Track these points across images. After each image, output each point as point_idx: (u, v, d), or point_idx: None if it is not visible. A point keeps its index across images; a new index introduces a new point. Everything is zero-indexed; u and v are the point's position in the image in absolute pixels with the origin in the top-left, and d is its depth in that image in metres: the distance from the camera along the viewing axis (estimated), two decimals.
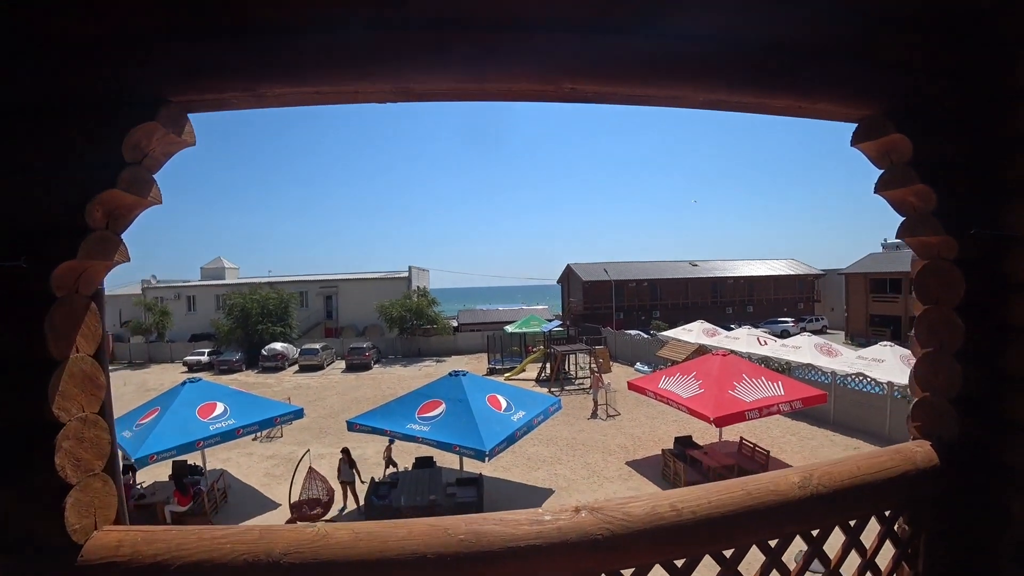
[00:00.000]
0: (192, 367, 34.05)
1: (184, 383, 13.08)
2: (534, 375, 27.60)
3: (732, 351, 18.97)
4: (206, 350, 35.94)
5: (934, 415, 2.02)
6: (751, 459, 13.58)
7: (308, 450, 13.47)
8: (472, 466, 13.06)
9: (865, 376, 16.98)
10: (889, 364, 17.63)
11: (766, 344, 24.90)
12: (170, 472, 12.44)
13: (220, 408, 12.44)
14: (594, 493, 12.78)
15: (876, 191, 1.96)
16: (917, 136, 1.75)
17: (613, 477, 13.73)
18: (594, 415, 19.51)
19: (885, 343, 19.82)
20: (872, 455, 1.89)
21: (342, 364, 34.21)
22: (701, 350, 22.71)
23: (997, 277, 1.92)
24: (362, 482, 12.22)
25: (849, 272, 42.43)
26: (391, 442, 13.22)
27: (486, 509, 11.69)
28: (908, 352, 19.04)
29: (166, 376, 31.63)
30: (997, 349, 1.94)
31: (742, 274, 51.68)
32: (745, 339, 25.99)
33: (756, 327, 34.40)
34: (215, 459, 15.52)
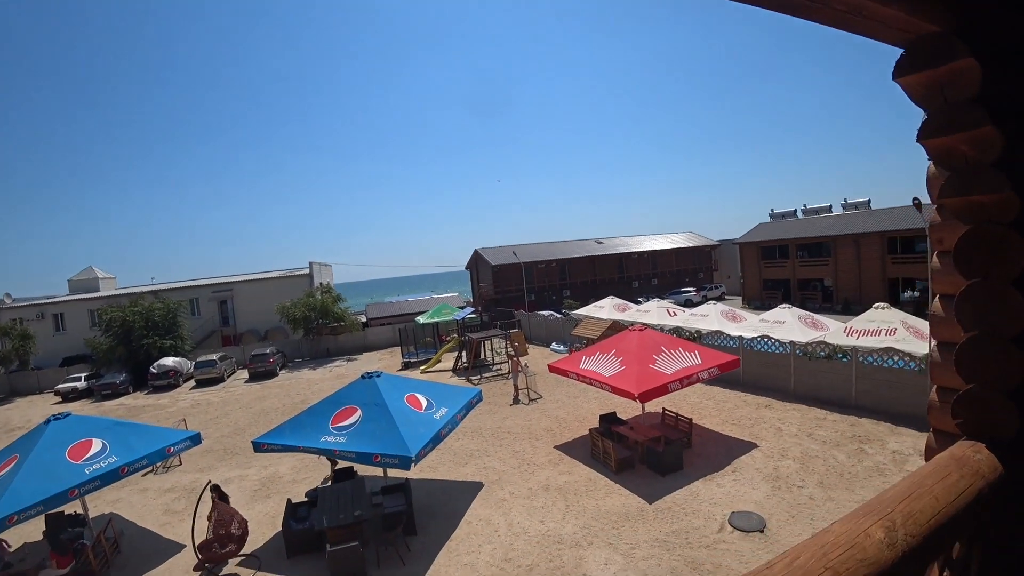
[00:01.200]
0: (67, 396, 30.06)
1: (48, 421, 10.96)
2: (451, 365, 27.04)
3: (645, 324, 19.31)
4: (83, 374, 31.66)
5: (985, 411, 1.68)
6: (675, 428, 13.88)
7: (209, 481, 11.96)
8: (397, 471, 12.33)
9: (770, 337, 17.88)
10: (790, 325, 18.76)
11: (675, 315, 25.79)
12: (43, 529, 10.65)
13: (97, 445, 10.49)
14: (527, 483, 12.46)
15: (920, 139, 1.56)
16: (989, 64, 1.34)
17: (544, 463, 13.49)
18: (516, 401, 19.25)
19: (784, 305, 21.09)
20: (938, 473, 1.50)
21: (245, 374, 31.71)
22: (615, 325, 23.07)
23: None
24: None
25: (742, 242, 45.22)
26: None
27: (417, 515, 11.04)
28: (805, 313, 20.42)
29: (34, 411, 27.76)
30: None
31: (645, 249, 53.77)
32: (655, 311, 26.81)
33: (663, 298, 35.75)
34: (101, 502, 13.61)
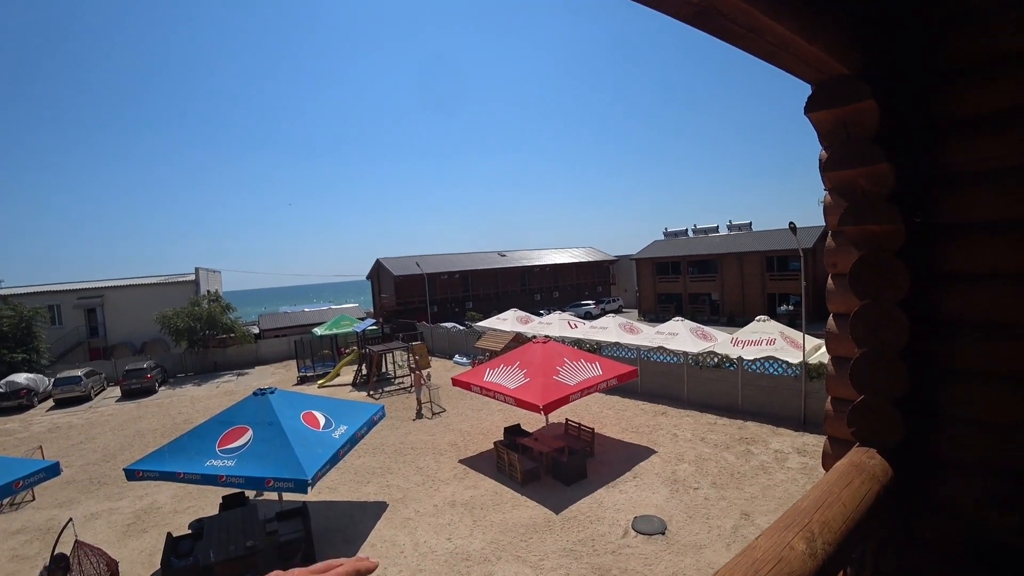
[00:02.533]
0: None
1: None
2: (350, 379, 26.08)
3: (547, 336, 19.75)
4: None
5: (876, 419, 1.84)
6: (578, 438, 14.23)
7: (70, 519, 10.55)
8: (293, 494, 11.63)
9: (665, 349, 18.89)
10: (682, 336, 19.92)
11: (576, 327, 26.59)
12: None
13: None
14: (431, 499, 12.21)
15: (823, 170, 1.70)
16: (886, 106, 1.48)
17: (448, 479, 13.30)
18: (419, 415, 18.89)
19: (677, 319, 22.41)
20: (842, 480, 1.62)
21: (117, 391, 28.59)
22: (518, 338, 23.39)
23: (927, 267, 1.79)
24: None
25: (639, 257, 47.74)
26: None
27: (316, 540, 10.45)
28: (696, 325, 21.79)
29: None
30: (932, 342, 1.81)
31: (547, 262, 55.07)
32: (557, 324, 27.47)
33: (564, 311, 36.73)
34: None
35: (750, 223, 45.28)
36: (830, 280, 2.08)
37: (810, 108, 1.58)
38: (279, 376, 29.27)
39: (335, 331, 31.37)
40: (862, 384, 1.87)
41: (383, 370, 26.26)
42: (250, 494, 11.93)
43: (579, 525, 10.53)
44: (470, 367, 25.34)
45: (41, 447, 17.31)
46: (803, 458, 12.88)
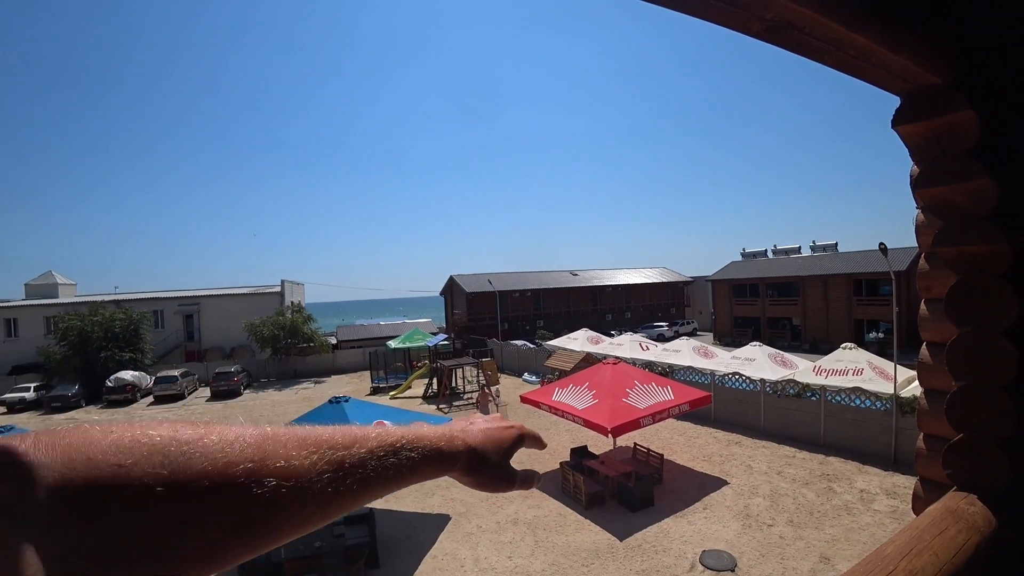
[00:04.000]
0: (13, 406, 28.22)
1: None
2: (421, 392, 26.62)
3: (618, 358, 19.38)
4: (32, 384, 29.89)
5: (976, 461, 1.66)
6: (646, 463, 13.81)
7: None
8: None
9: (741, 375, 18.08)
10: (760, 362, 19.01)
11: (648, 349, 25.98)
12: None
13: None
14: (494, 516, 12.20)
15: (914, 187, 1.57)
16: (986, 117, 1.36)
17: (512, 497, 13.22)
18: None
19: (755, 343, 21.44)
20: (935, 527, 1.46)
21: (207, 392, 30.71)
22: (588, 358, 23.09)
23: None
24: None
25: (715, 279, 46.15)
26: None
27: (380, 547, 10.69)
28: (775, 351, 20.75)
29: None
30: None
31: (619, 282, 54.31)
32: (628, 345, 26.94)
33: (635, 332, 35.99)
34: None
35: (835, 243, 42.70)
36: (923, 306, 1.92)
37: (897, 121, 1.47)
38: (353, 386, 30.34)
39: (408, 344, 32.21)
40: (960, 421, 1.70)
41: (453, 385, 26.66)
42: None
43: (643, 554, 10.16)
44: (539, 385, 25.27)
45: None
46: (892, 500, 11.84)
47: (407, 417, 12.54)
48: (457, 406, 23.70)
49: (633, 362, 21.11)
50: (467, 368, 27.16)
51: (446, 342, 34.46)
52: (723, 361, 21.17)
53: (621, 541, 10.66)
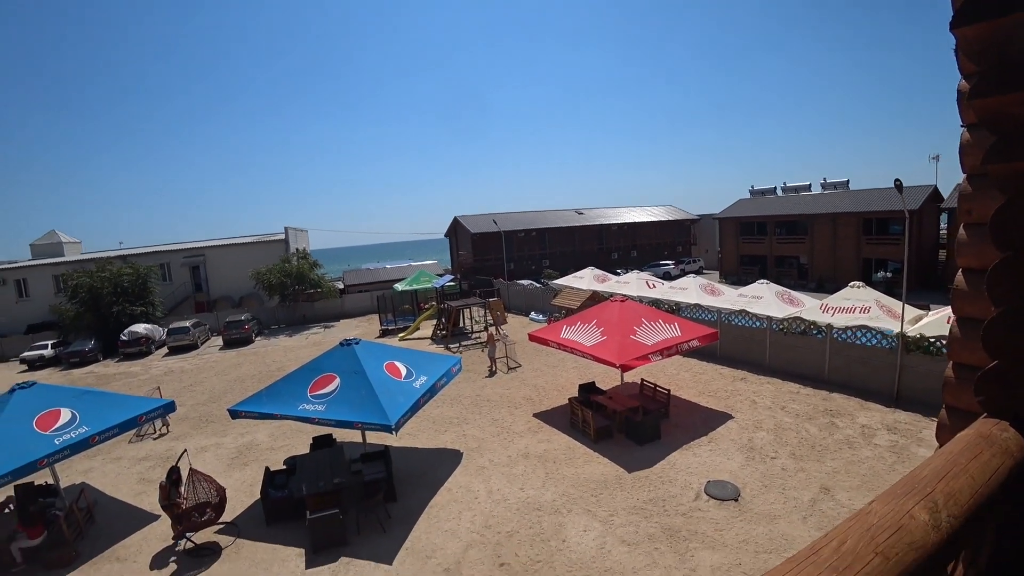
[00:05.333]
0: (33, 364, 29.02)
1: (12, 390, 10.57)
2: (429, 333, 26.93)
3: (625, 296, 19.40)
4: (49, 342, 30.59)
5: (1011, 388, 1.63)
6: (653, 399, 14.08)
7: (185, 450, 11.85)
8: (376, 437, 12.28)
9: (748, 313, 18.10)
10: (767, 300, 19.01)
11: (654, 287, 25.96)
12: (11, 500, 10.36)
13: (66, 415, 10.19)
14: (505, 451, 12.56)
15: (969, 98, 1.46)
16: None
17: (523, 431, 13.59)
18: (492, 373, 19.20)
19: (762, 281, 21.32)
20: (970, 451, 1.44)
21: (219, 340, 31.20)
22: (595, 296, 23.15)
23: None
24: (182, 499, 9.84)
25: (722, 217, 45.50)
26: None
27: (397, 482, 11.06)
28: (782, 289, 20.69)
29: None
30: None
31: (625, 220, 53.78)
32: (635, 283, 26.91)
33: (642, 271, 35.91)
34: (72, 472, 13.34)
35: (847, 181, 41.76)
36: (962, 230, 1.84)
37: (957, 23, 1.35)
38: (362, 329, 30.71)
39: (415, 287, 32.24)
40: (997, 348, 1.65)
41: (460, 325, 26.93)
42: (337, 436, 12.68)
43: (650, 484, 10.50)
44: (546, 324, 25.50)
45: (160, 388, 19.27)
46: (893, 436, 12.05)
47: (417, 357, 12.66)
48: (466, 345, 24.02)
49: (640, 300, 21.16)
50: (474, 308, 27.34)
51: (452, 283, 34.55)
52: (730, 299, 21.18)
53: (629, 473, 11.00)
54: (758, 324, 17.56)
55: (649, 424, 12.52)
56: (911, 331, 14.19)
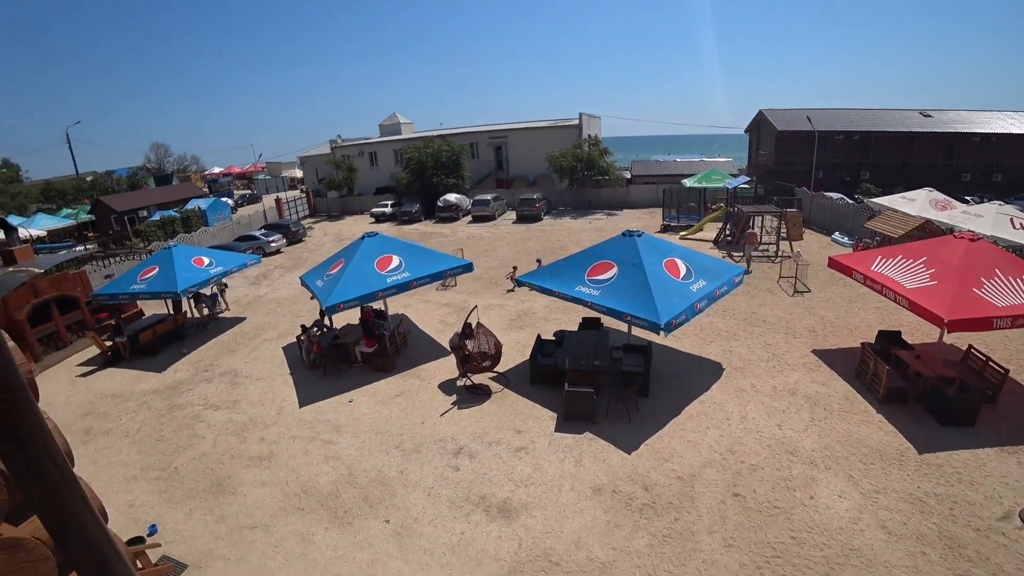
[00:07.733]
0: (378, 218, 37.53)
1: (363, 237, 13.95)
2: (713, 236, 25.44)
3: (976, 233, 15.05)
4: (389, 202, 38.73)
5: None
6: (979, 374, 10.90)
7: (475, 306, 14.20)
8: (641, 332, 12.44)
9: None
10: None
11: (1021, 228, 19.53)
12: (359, 316, 13.70)
13: (396, 261, 13.28)
14: (771, 379, 11.55)
15: None
16: None
17: (796, 365, 12.25)
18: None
19: None
20: None
21: (512, 215, 34.82)
22: (927, 226, 18.69)
23: None
24: (468, 353, 11.31)
25: None
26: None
27: (653, 380, 11.22)
28: None
29: (357, 227, 35.10)
30: None
31: (992, 131, 40.75)
32: (992, 219, 20.34)
33: (1006, 203, 27.46)
34: (396, 304, 17.02)
35: None
36: None
37: None
38: (644, 222, 30.58)
39: (704, 184, 30.28)
40: None
41: (753, 231, 24.77)
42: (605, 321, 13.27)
43: (943, 477, 8.42)
44: (851, 249, 21.89)
45: (462, 249, 22.65)
46: None
47: (698, 259, 12.00)
48: (752, 257, 22.17)
49: (996, 242, 16.31)
50: (767, 217, 24.76)
51: (747, 185, 31.53)
52: None
53: (919, 453, 9.02)
54: None
55: (964, 404, 9.76)
56: None
